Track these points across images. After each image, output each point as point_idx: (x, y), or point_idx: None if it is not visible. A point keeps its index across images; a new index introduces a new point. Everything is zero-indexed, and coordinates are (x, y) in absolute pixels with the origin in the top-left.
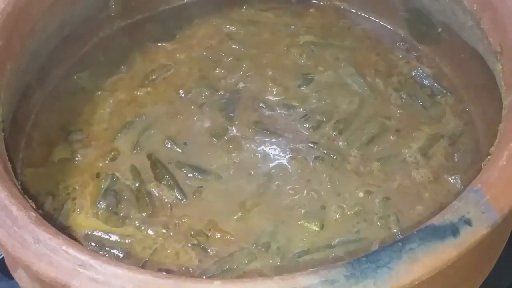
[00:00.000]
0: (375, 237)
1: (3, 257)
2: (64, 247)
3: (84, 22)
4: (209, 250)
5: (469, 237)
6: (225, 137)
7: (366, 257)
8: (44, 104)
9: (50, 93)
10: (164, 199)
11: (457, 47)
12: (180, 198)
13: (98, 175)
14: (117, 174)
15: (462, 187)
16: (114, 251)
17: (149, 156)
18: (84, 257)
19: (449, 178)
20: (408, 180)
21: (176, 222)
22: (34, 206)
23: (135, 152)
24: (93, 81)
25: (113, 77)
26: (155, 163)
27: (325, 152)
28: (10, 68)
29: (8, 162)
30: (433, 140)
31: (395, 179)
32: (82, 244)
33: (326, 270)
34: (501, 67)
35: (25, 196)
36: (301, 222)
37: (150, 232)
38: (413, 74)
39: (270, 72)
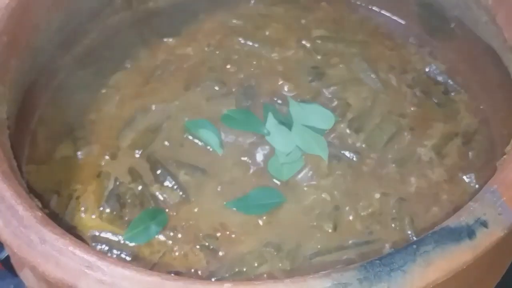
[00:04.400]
0: (388, 238)
1: (8, 255)
2: (70, 248)
3: (89, 18)
4: (218, 252)
5: (485, 239)
6: (244, 135)
7: (380, 260)
8: (49, 101)
9: (55, 90)
10: (169, 202)
11: (471, 43)
12: (186, 200)
13: (99, 174)
14: (119, 176)
15: (477, 186)
16: (122, 254)
17: (152, 156)
18: (91, 258)
19: (464, 177)
20: (424, 180)
21: (184, 224)
22: (40, 205)
23: (139, 151)
24: (98, 77)
25: (118, 73)
26: (156, 164)
27: (341, 151)
28: (15, 64)
29: (14, 160)
30: (447, 138)
31: (411, 180)
32: (89, 245)
33: (339, 273)
34: None
35: (31, 194)
36: (313, 223)
37: (157, 235)
38: (427, 70)
39: (281, 68)
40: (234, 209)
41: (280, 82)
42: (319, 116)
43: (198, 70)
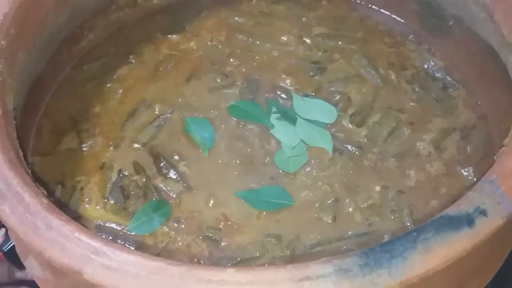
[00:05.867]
0: (387, 230)
1: (10, 248)
2: (76, 234)
3: (94, 13)
4: (220, 243)
5: (484, 227)
6: (243, 126)
7: (380, 246)
8: (54, 94)
9: (61, 83)
10: (173, 194)
11: (469, 40)
12: (189, 192)
13: (103, 166)
14: (123, 168)
15: (475, 179)
16: (126, 244)
17: (154, 149)
18: (96, 244)
19: (462, 171)
20: (423, 174)
21: (187, 215)
22: (46, 194)
23: (142, 144)
24: (103, 71)
25: (123, 67)
26: (158, 156)
27: (344, 145)
28: (22, 57)
29: (20, 150)
30: (446, 133)
31: (410, 173)
32: None
33: (340, 259)
34: None
35: (37, 183)
36: (314, 214)
37: (161, 226)
38: (426, 66)
39: (283, 63)
40: (242, 199)
41: (283, 77)
42: (322, 111)
43: (201, 63)
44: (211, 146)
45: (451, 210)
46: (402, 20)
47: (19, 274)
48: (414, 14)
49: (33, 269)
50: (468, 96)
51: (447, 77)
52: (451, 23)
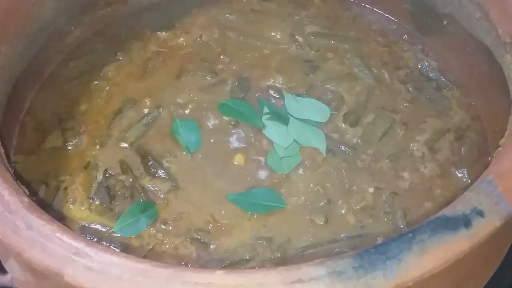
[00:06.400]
0: (380, 232)
1: None
2: (58, 234)
3: (82, 8)
4: (209, 245)
5: (482, 228)
6: (234, 125)
7: (375, 248)
8: (39, 91)
9: (46, 80)
10: (160, 195)
11: (463, 39)
12: (176, 192)
13: (88, 165)
14: (109, 167)
15: (470, 181)
16: (112, 246)
17: (141, 148)
18: (79, 245)
19: (456, 172)
20: (417, 175)
21: (175, 217)
22: (27, 193)
23: (129, 142)
24: (89, 68)
25: (110, 65)
26: (146, 155)
27: (337, 146)
28: (5, 52)
29: (1, 148)
30: (440, 133)
31: (404, 175)
32: None
33: (333, 261)
34: (510, 58)
35: (18, 182)
36: (306, 216)
37: (148, 228)
38: (419, 66)
39: (274, 61)
40: (233, 202)
41: (274, 75)
42: (315, 110)
43: (190, 60)
44: (197, 150)
45: (448, 211)
46: (395, 20)
47: (2, 280)
48: (407, 14)
49: (13, 271)
50: (462, 97)
51: (441, 77)
52: (445, 22)
